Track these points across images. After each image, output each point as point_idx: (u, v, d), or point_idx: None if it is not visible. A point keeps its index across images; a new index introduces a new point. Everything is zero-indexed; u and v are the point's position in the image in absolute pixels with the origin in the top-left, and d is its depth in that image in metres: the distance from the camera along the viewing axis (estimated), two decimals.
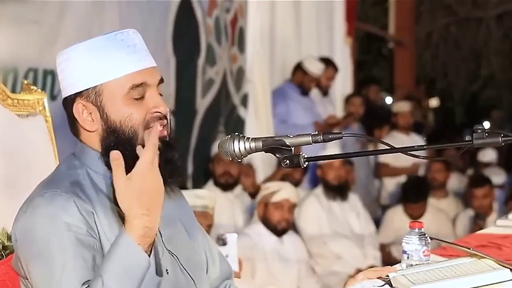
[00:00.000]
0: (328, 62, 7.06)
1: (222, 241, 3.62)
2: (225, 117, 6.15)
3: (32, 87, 2.67)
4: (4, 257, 2.17)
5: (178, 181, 2.06)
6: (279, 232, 5.05)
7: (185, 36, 5.42)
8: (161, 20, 5.14)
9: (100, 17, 4.54)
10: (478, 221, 6.13)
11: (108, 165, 1.93)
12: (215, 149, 5.35)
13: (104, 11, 4.58)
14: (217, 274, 2.17)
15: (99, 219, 1.90)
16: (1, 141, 2.47)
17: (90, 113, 1.96)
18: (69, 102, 1.99)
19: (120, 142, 1.93)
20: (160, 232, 1.97)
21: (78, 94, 1.96)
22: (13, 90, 2.60)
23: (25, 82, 2.71)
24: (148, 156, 1.82)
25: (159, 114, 1.96)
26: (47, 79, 4.13)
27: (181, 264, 2.00)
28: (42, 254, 1.84)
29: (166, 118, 1.98)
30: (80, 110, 1.97)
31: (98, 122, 1.96)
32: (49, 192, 1.90)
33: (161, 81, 2.01)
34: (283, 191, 5.00)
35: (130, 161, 1.88)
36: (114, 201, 1.87)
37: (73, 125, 2.01)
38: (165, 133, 1.97)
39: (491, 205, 6.38)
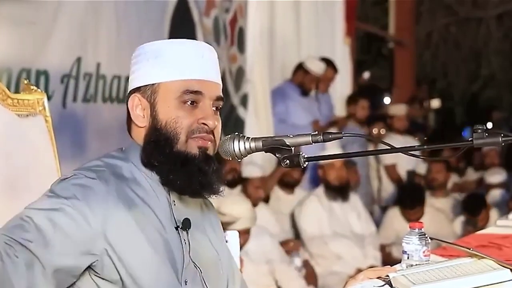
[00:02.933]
0: (328, 63, 7.07)
1: None
2: (223, 117, 6.13)
3: (32, 87, 2.67)
4: None
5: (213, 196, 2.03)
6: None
7: (181, 36, 5.38)
8: (157, 20, 5.14)
9: (96, 17, 4.53)
10: (470, 228, 6.15)
11: (143, 163, 1.98)
12: None
13: (101, 11, 4.58)
14: None
15: (110, 222, 1.88)
16: (1, 141, 2.47)
17: (144, 109, 2.00)
18: (129, 96, 2.04)
19: (159, 141, 1.96)
20: (189, 242, 1.98)
21: (137, 89, 2.02)
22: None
23: (25, 82, 2.71)
24: None
25: (205, 127, 1.97)
26: (40, 79, 4.13)
27: (203, 278, 2.00)
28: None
29: (213, 134, 1.99)
30: (134, 103, 2.01)
31: (148, 118, 2.00)
32: (82, 171, 1.93)
33: (220, 98, 2.03)
34: (240, 223, 4.70)
35: (164, 163, 1.94)
36: None
37: (128, 119, 2.05)
38: (207, 144, 1.98)
39: (487, 218, 6.41)
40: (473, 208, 6.48)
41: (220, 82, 2.06)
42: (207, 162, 1.97)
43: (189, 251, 1.98)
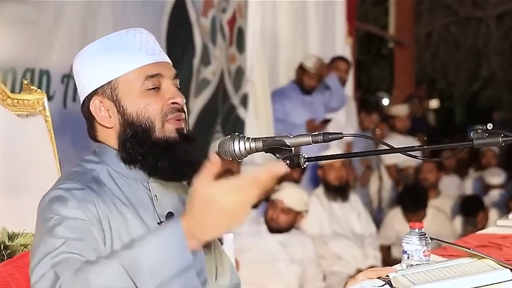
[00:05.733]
0: (338, 58, 7.11)
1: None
2: (223, 117, 6.14)
3: (32, 87, 2.67)
4: (5, 257, 2.16)
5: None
6: (281, 230, 5.08)
7: (179, 36, 5.42)
8: (155, 20, 5.13)
9: (94, 18, 4.53)
10: (469, 228, 6.17)
11: (125, 161, 1.94)
12: (213, 149, 5.34)
13: (98, 12, 4.58)
14: (227, 282, 2.14)
15: (113, 220, 1.87)
16: (1, 141, 2.47)
17: (108, 109, 1.95)
18: (86, 102, 1.98)
19: (137, 134, 1.93)
20: None
21: (94, 93, 1.96)
22: (12, 91, 2.60)
23: (25, 82, 2.71)
24: (251, 192, 1.61)
25: (176, 105, 1.96)
26: (42, 79, 4.14)
27: None
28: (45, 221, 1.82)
29: (184, 111, 1.98)
30: (97, 107, 1.96)
31: (115, 117, 1.95)
32: (68, 183, 1.88)
33: (177, 76, 2.01)
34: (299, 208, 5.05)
35: (148, 154, 1.90)
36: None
37: (91, 126, 2.00)
38: (182, 125, 1.97)
39: (486, 218, 6.43)
40: (471, 210, 6.50)
41: (169, 60, 2.03)
42: (187, 142, 1.95)
43: None
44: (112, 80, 1.95)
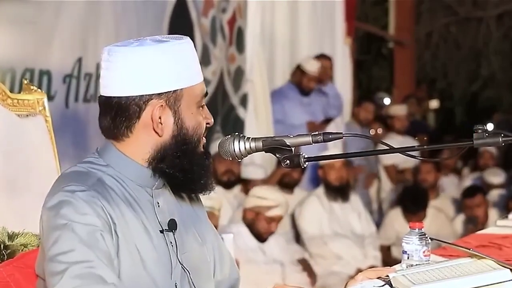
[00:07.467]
0: (321, 56, 7.10)
1: None
2: (222, 117, 6.14)
3: (32, 87, 2.67)
4: (5, 256, 2.16)
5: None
6: (262, 239, 5.04)
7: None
8: (156, 21, 5.14)
9: (95, 18, 4.54)
10: (470, 227, 6.16)
11: (157, 172, 1.90)
12: (213, 148, 5.34)
13: (100, 12, 4.59)
14: (226, 277, 2.13)
15: (118, 225, 1.84)
16: (1, 141, 2.47)
17: (160, 117, 1.87)
18: (133, 101, 1.86)
19: (187, 152, 1.90)
20: (176, 244, 1.94)
21: (157, 96, 1.87)
22: (10, 91, 2.59)
23: (25, 82, 2.71)
24: None
25: (208, 125, 1.97)
26: (42, 79, 4.14)
27: (191, 279, 1.96)
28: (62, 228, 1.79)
29: None
30: (157, 112, 1.86)
31: (168, 127, 1.89)
32: (73, 185, 1.83)
33: None
34: (279, 209, 4.95)
35: (190, 171, 1.89)
36: None
37: (127, 125, 1.88)
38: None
39: (486, 213, 6.43)
40: (466, 192, 6.52)
41: None
42: (209, 156, 1.97)
43: (177, 253, 1.94)
44: (178, 89, 1.88)
